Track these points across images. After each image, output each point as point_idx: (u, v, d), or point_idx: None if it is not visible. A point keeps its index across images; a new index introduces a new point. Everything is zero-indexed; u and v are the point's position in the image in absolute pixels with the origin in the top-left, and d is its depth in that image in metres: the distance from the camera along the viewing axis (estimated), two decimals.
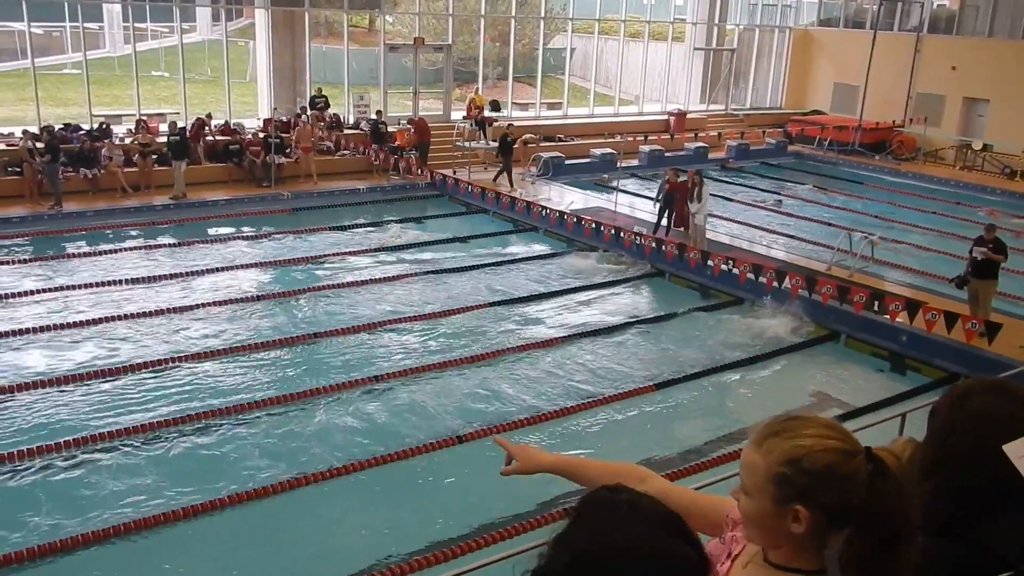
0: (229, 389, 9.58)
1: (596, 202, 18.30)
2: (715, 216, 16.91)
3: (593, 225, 15.52)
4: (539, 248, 16.06)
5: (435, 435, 8.73)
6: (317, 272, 14.09)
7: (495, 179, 19.21)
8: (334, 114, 22.01)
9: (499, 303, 12.85)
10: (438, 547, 6.90)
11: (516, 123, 24.41)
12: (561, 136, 24.33)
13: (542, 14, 27.15)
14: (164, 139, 18.18)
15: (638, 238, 14.85)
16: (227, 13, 24.25)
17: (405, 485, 7.99)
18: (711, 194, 16.04)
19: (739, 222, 17.83)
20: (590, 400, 9.78)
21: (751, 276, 12.99)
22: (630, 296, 13.74)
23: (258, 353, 10.62)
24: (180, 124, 18.60)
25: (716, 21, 29.75)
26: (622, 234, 15.07)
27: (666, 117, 27.03)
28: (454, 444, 8.61)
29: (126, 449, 8.26)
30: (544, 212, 16.68)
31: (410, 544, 6.98)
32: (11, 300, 11.97)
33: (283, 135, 19.76)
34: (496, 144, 20.14)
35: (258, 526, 7.27)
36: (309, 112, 21.04)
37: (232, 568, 6.81)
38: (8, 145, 17.85)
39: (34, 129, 17.69)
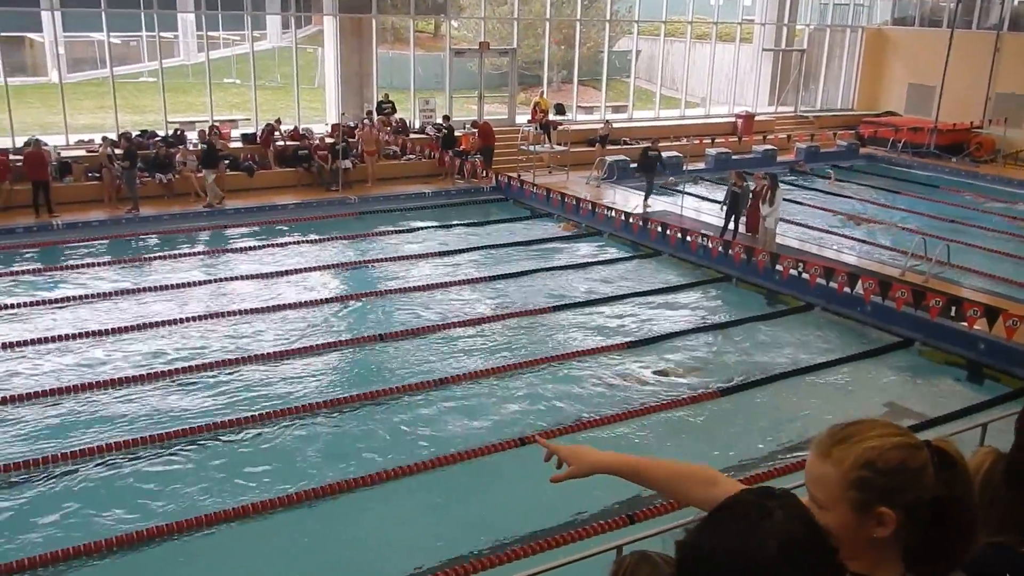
0: (295, 390, 9.73)
1: (661, 206, 18.13)
2: (784, 220, 16.57)
3: (659, 228, 15.37)
4: (604, 252, 15.97)
5: (498, 437, 8.72)
6: (382, 275, 14.24)
7: (645, 200, 18.03)
8: (400, 119, 22.24)
9: (562, 307, 12.81)
10: (499, 549, 6.89)
11: (582, 127, 24.40)
12: (626, 139, 24.16)
13: (608, 17, 27.04)
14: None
15: (706, 240, 14.66)
16: (296, 21, 24.71)
17: (468, 486, 8.00)
18: (784, 199, 15.74)
19: (808, 226, 17.46)
20: (652, 405, 9.67)
21: (821, 281, 12.72)
22: (695, 300, 13.55)
23: (324, 355, 10.77)
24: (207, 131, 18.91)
25: (785, 21, 29.22)
26: (688, 237, 14.90)
27: (733, 119, 26.65)
28: (516, 446, 8.60)
29: (200, 446, 8.45)
30: (610, 215, 16.58)
31: (472, 545, 6.99)
32: (91, 300, 12.37)
33: (350, 140, 20.04)
34: (637, 163, 19.03)
35: (321, 525, 7.35)
36: (375, 117, 21.30)
37: (297, 566, 6.89)
38: (88, 151, 18.48)
39: (113, 136, 18.28)
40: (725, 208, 16.01)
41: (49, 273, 13.75)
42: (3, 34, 20.33)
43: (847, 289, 12.37)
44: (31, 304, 12.20)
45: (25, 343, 10.71)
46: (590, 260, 15.41)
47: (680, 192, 19.13)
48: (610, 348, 11.24)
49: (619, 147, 23.16)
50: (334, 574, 6.95)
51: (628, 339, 11.58)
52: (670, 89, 29.40)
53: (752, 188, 15.58)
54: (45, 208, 16.41)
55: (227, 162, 18.64)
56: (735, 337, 11.98)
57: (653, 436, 9.09)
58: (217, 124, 20.18)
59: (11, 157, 16.98)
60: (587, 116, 26.49)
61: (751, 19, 29.81)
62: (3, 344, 10.65)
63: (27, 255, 14.70)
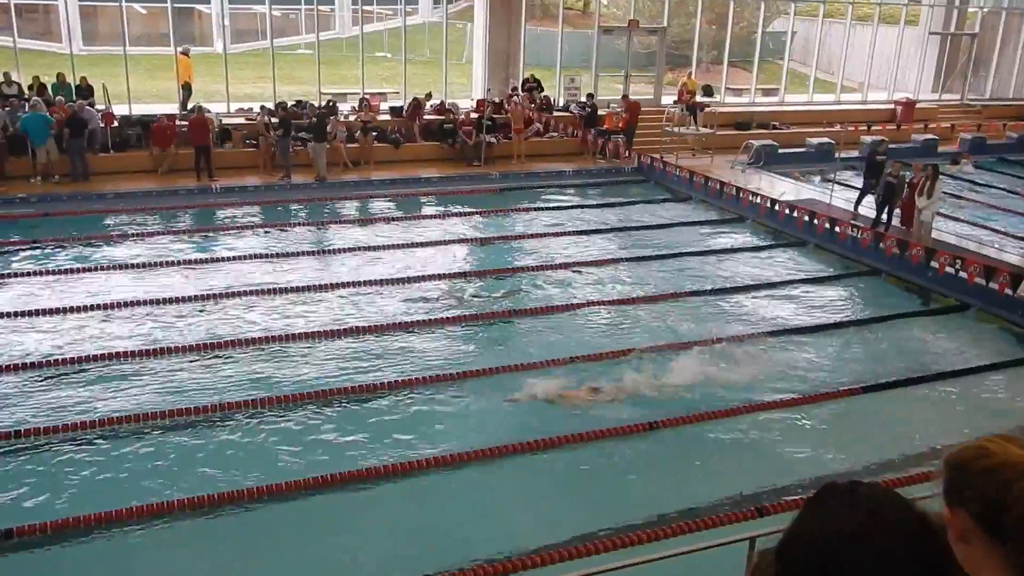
0: (430, 360, 9.89)
1: (809, 193, 17.43)
2: (942, 215, 15.61)
3: (806, 217, 14.78)
4: (746, 239, 15.50)
5: (627, 419, 8.62)
6: (518, 252, 14.31)
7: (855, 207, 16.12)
8: (544, 96, 22.23)
9: (698, 292, 12.52)
10: (623, 530, 6.81)
11: (730, 109, 23.73)
12: (775, 124, 23.35)
13: None
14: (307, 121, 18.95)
15: (856, 231, 13.99)
16: None
17: (595, 468, 7.94)
18: (944, 192, 14.80)
19: (968, 222, 16.40)
20: (785, 398, 9.31)
21: (980, 280, 11.92)
22: (840, 294, 12.94)
23: (458, 327, 10.91)
24: (316, 105, 19.33)
25: (956, 3, 27.38)
26: (836, 227, 14.26)
27: (892, 106, 25.28)
28: (645, 430, 8.48)
29: (354, 406, 8.75)
30: (754, 201, 16.07)
31: (584, 527, 6.93)
32: (242, 262, 13.01)
33: (495, 116, 20.18)
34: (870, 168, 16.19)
35: (432, 498, 7.45)
36: (520, 93, 21.36)
37: (407, 537, 7.03)
38: (247, 119, 19.39)
39: (270, 105, 19.09)
40: (879, 198, 15.21)
41: (207, 234, 14.55)
42: (177, 5, 21.49)
43: (1009, 291, 11.53)
44: (189, 263, 12.95)
45: (187, 299, 11.37)
46: (731, 246, 14.98)
47: (830, 180, 18.32)
48: (744, 337, 10.83)
49: (768, 131, 22.40)
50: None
51: (764, 329, 11.19)
52: (825, 72, 28.15)
53: (910, 178, 14.74)
54: (206, 172, 17.34)
55: (375, 134, 19.15)
56: (880, 335, 11.38)
57: (777, 431, 8.74)
58: (367, 96, 20.74)
59: (178, 123, 18.02)
60: (736, 98, 25.71)
61: (919, 0, 28.08)
62: (179, 298, 11.35)
63: (186, 216, 15.61)
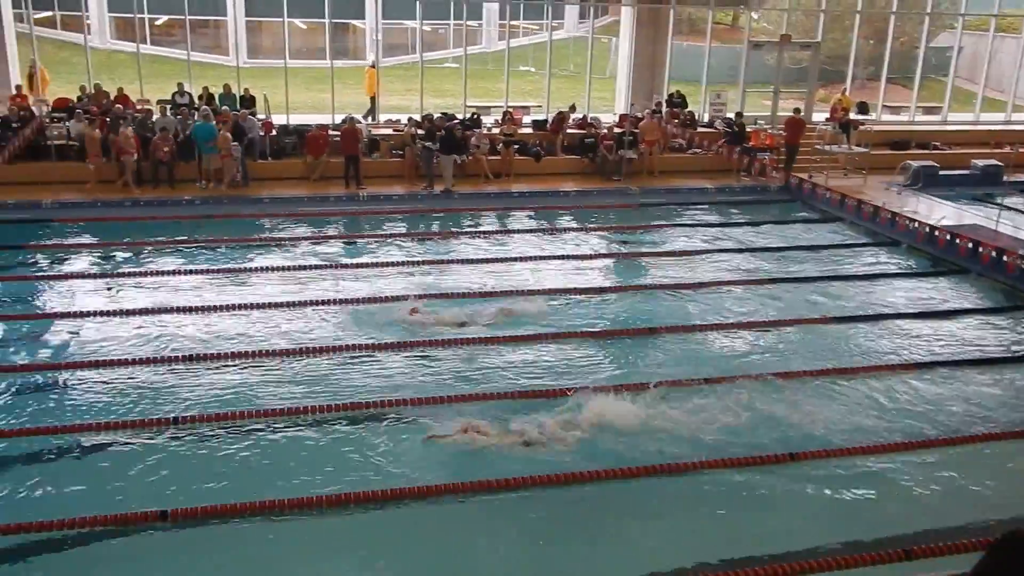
0: (561, 372, 9.79)
1: (972, 219, 16.33)
2: None
3: (969, 244, 13.86)
4: (900, 264, 14.67)
5: (758, 448, 8.24)
6: (654, 267, 14.06)
7: None
8: (688, 111, 21.85)
9: (843, 319, 11.89)
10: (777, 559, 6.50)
11: (886, 127, 22.67)
12: (936, 144, 22.08)
13: (928, 9, 24.77)
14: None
15: None
16: (594, 11, 25.05)
17: (724, 494, 7.61)
18: None
19: None
20: (921, 440, 8.64)
21: None
22: (1009, 327, 11.99)
23: (589, 342, 10.76)
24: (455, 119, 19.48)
25: None
26: (1005, 256, 13.29)
27: None
28: (786, 461, 8.08)
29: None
30: (911, 225, 15.20)
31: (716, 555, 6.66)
32: (384, 269, 13.33)
33: (635, 131, 19.99)
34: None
35: (572, 514, 7.32)
36: (664, 109, 21.07)
37: (550, 551, 6.93)
38: (395, 130, 19.96)
39: (417, 117, 19.58)
40: None
41: (354, 240, 15.02)
42: (334, 21, 22.39)
43: None
44: (338, 266, 13.39)
45: (322, 303, 11.74)
46: (883, 272, 14.20)
47: (997, 205, 17.12)
48: (886, 368, 10.19)
49: (928, 152, 21.22)
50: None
51: (908, 361, 10.49)
52: (995, 90, 26.44)
53: None
54: (354, 180, 17.93)
55: (516, 147, 19.29)
56: None
57: (913, 474, 8.12)
58: (510, 109, 20.96)
59: (330, 133, 18.74)
60: (893, 116, 24.51)
61: None
62: (322, 300, 11.74)
63: (334, 222, 16.17)
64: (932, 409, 9.31)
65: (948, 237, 14.42)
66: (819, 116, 22.75)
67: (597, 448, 8.12)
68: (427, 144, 18.14)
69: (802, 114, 21.02)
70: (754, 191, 19.21)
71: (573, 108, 21.12)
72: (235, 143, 17.39)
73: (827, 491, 7.70)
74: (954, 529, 7.14)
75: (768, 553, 6.70)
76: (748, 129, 20.85)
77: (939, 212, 16.63)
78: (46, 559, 6.52)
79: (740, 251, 14.99)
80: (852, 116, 21.88)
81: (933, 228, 14.78)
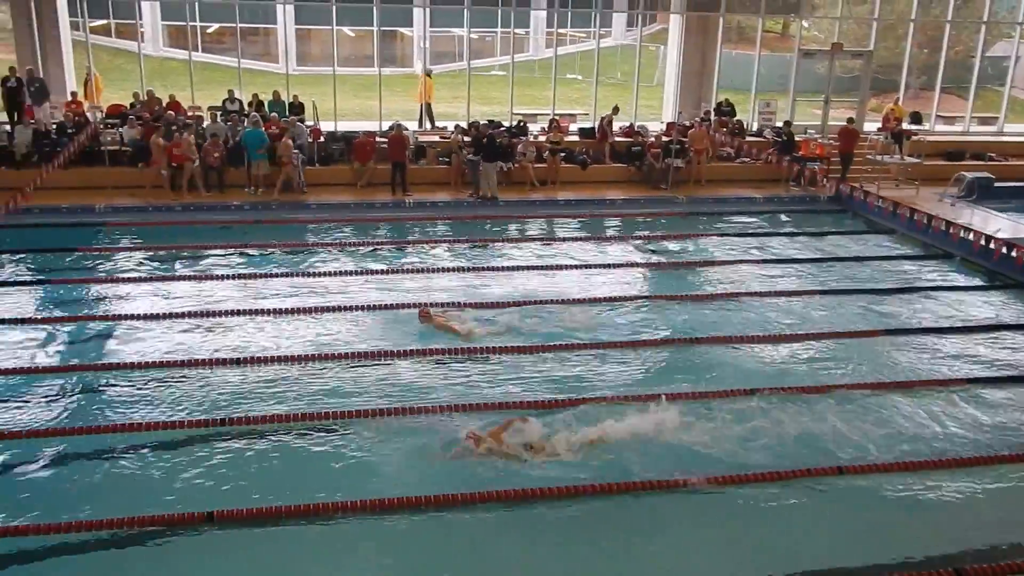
0: (603, 382, 9.72)
1: None
2: None
3: None
4: (953, 278, 14.34)
5: (805, 462, 8.09)
6: (701, 278, 13.91)
7: None
8: (737, 120, 21.66)
9: (892, 331, 11.65)
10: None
11: (940, 137, 22.25)
12: (992, 155, 21.59)
13: (985, 17, 24.25)
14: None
15: None
16: (642, 19, 24.96)
17: (761, 510, 7.48)
18: None
19: None
20: (971, 457, 8.40)
21: None
22: None
23: (634, 350, 10.67)
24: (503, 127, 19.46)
25: None
26: None
27: None
28: (835, 474, 7.92)
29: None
30: (965, 237, 14.86)
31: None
32: (432, 275, 13.39)
33: (682, 139, 19.85)
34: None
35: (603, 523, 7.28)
36: (713, 117, 20.90)
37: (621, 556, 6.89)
38: (441, 137, 20.05)
39: (464, 124, 19.65)
40: None
41: (399, 246, 15.11)
42: (383, 28, 22.61)
43: None
44: (384, 272, 13.48)
45: (373, 308, 11.81)
46: (935, 284, 13.90)
47: None
48: (935, 383, 9.96)
49: (983, 163, 20.76)
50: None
51: (960, 376, 10.23)
52: None
53: None
54: (400, 187, 18.04)
55: (563, 155, 19.26)
56: None
57: (956, 493, 7.91)
58: (557, 117, 20.94)
59: (377, 139, 18.89)
60: (947, 127, 24.03)
61: None
62: (377, 305, 11.80)
63: (381, 228, 16.28)
64: (985, 425, 9.08)
65: (1004, 249, 14.06)
66: (871, 126, 22.39)
67: (648, 456, 8.07)
68: (471, 157, 18.20)
69: (855, 124, 20.73)
70: (803, 201, 18.95)
71: (616, 110, 21.03)
72: (296, 151, 17.64)
73: (878, 507, 7.54)
74: (1009, 548, 6.95)
75: (817, 568, 6.58)
76: (798, 138, 20.59)
77: (994, 224, 16.25)
78: (96, 557, 6.63)
79: (788, 261, 14.77)
80: (905, 126, 21.50)
81: (988, 240, 14.43)
